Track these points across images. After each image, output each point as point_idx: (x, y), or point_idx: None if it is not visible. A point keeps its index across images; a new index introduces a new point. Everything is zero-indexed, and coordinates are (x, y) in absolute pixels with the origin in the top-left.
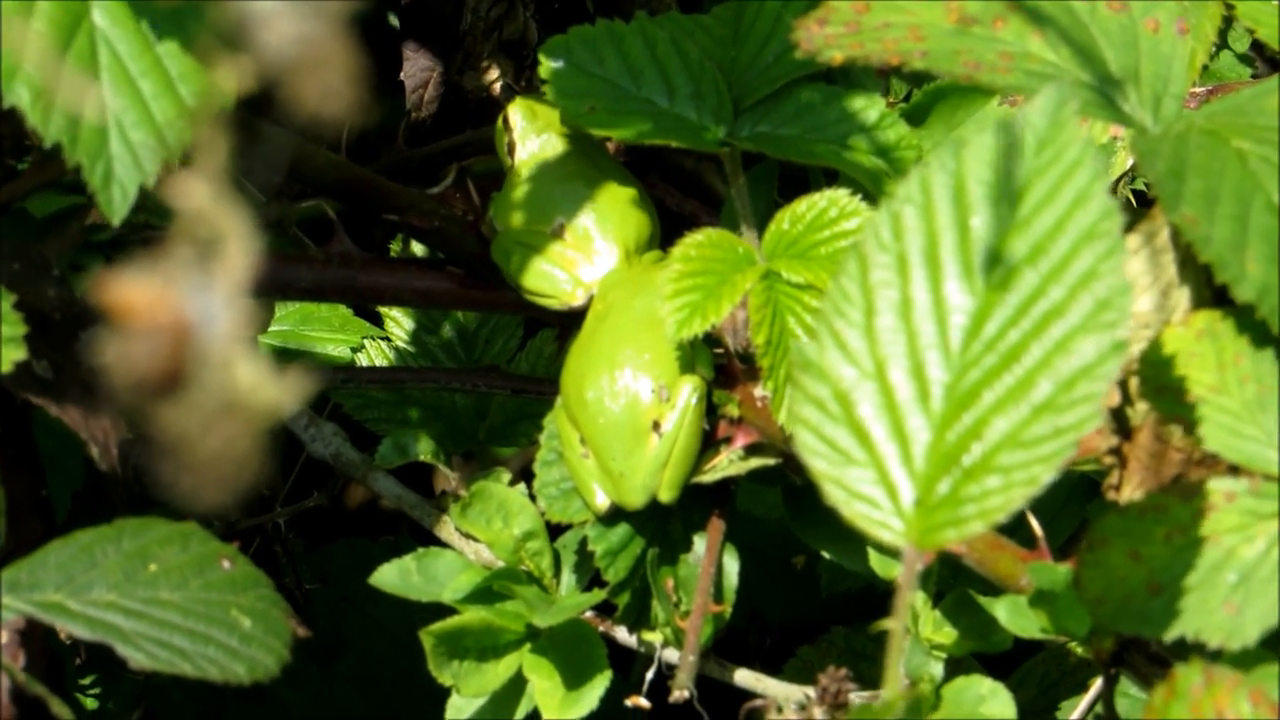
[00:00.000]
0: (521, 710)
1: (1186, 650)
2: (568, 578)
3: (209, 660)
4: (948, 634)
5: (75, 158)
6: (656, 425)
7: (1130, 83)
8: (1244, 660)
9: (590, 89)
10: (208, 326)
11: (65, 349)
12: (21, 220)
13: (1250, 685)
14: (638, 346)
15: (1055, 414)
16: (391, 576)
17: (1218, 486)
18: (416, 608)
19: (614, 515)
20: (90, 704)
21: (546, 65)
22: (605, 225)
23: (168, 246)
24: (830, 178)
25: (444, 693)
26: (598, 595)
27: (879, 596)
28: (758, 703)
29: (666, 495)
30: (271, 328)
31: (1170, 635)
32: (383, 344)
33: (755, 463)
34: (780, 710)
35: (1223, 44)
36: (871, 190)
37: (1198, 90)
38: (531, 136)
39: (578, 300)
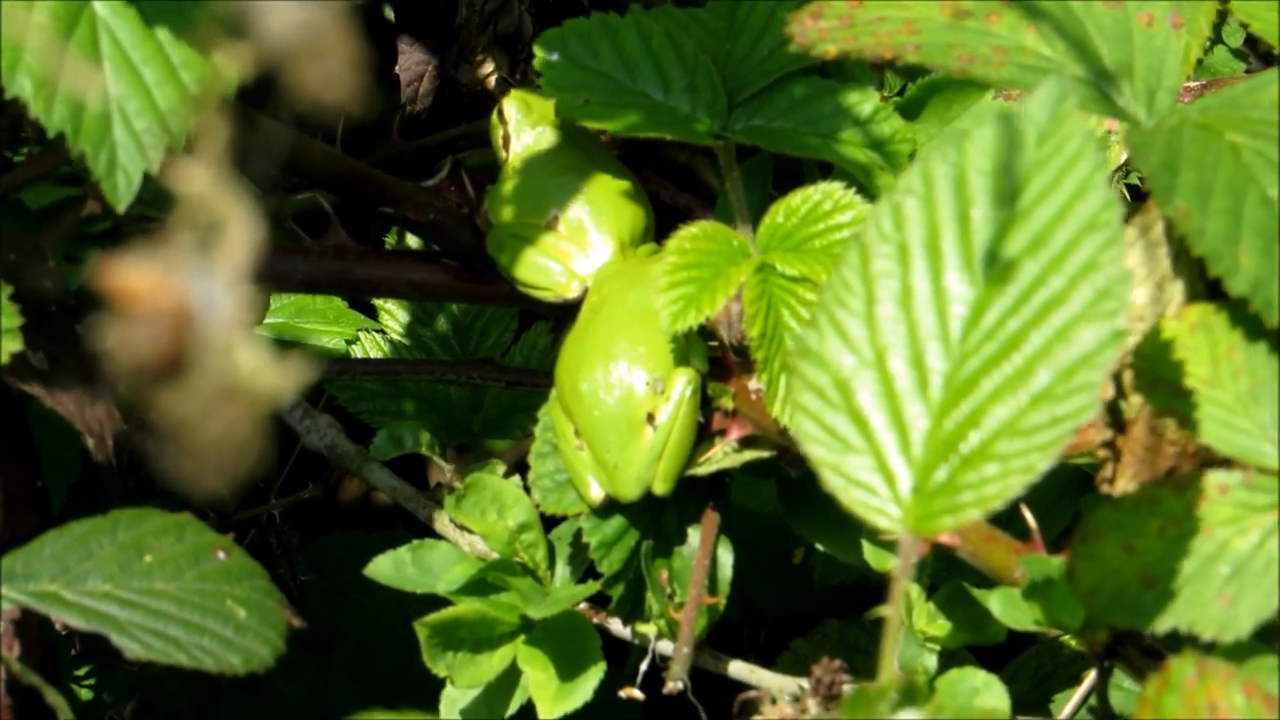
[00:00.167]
0: (516, 702)
1: (1180, 643)
2: (562, 570)
3: (204, 651)
4: (941, 626)
5: (79, 147)
6: (651, 418)
7: (1124, 76)
8: (1237, 652)
9: (585, 82)
10: (209, 312)
11: (61, 340)
12: (17, 212)
13: (1243, 677)
14: (632, 339)
15: (1053, 403)
16: (386, 568)
17: (1211, 479)
18: (411, 600)
19: (608, 507)
20: (85, 695)
21: (541, 58)
22: (600, 218)
23: (168, 232)
24: (824, 171)
25: (439, 684)
26: (592, 587)
27: (872, 589)
28: (751, 694)
29: (661, 488)
30: (266, 320)
31: (1163, 627)
32: (377, 336)
33: (750, 455)
34: (774, 702)
35: (1217, 39)
36: (865, 184)
37: (1192, 85)
38: (526, 129)
39: (572, 293)
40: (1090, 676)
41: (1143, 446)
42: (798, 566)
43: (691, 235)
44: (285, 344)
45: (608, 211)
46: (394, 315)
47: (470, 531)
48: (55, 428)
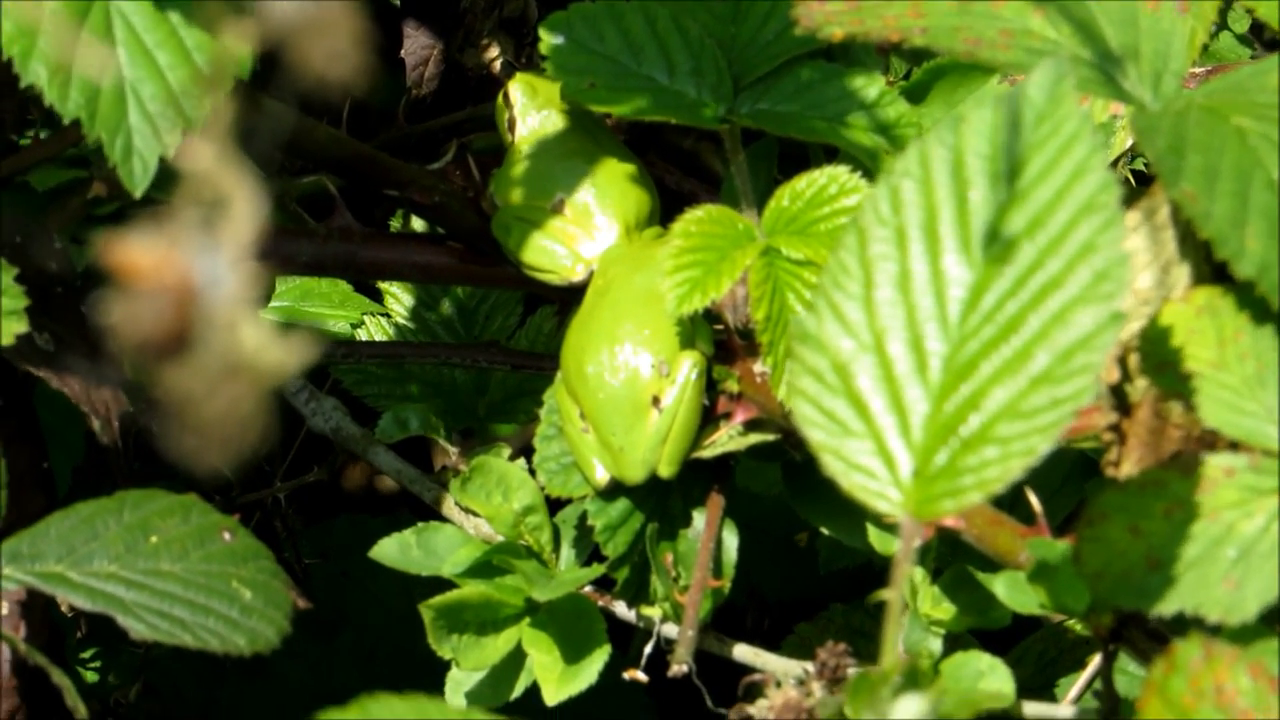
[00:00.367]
0: (521, 684)
1: (1185, 626)
2: (567, 552)
3: (209, 631)
4: (946, 610)
5: (95, 132)
6: (656, 400)
7: (1130, 60)
8: (1243, 635)
9: (590, 65)
10: (213, 288)
11: (67, 322)
12: (23, 194)
13: (1249, 660)
14: (638, 322)
15: (1053, 385)
16: (391, 550)
17: (1217, 462)
18: (416, 583)
19: (613, 490)
20: (91, 677)
21: (547, 41)
22: (605, 201)
23: (173, 209)
24: (830, 155)
25: (444, 667)
26: (597, 570)
27: (877, 573)
28: (756, 677)
29: (666, 470)
30: (272, 303)
31: (1169, 610)
32: (382, 320)
33: (755, 438)
34: (779, 685)
35: (1222, 25)
36: (871, 167)
37: (1197, 70)
38: (532, 113)
39: (578, 276)
40: (1095, 660)
41: (1148, 430)
42: (803, 551)
43: (697, 219)
44: (291, 328)
45: (613, 195)
46: (399, 299)
47: (475, 514)
48: (61, 409)
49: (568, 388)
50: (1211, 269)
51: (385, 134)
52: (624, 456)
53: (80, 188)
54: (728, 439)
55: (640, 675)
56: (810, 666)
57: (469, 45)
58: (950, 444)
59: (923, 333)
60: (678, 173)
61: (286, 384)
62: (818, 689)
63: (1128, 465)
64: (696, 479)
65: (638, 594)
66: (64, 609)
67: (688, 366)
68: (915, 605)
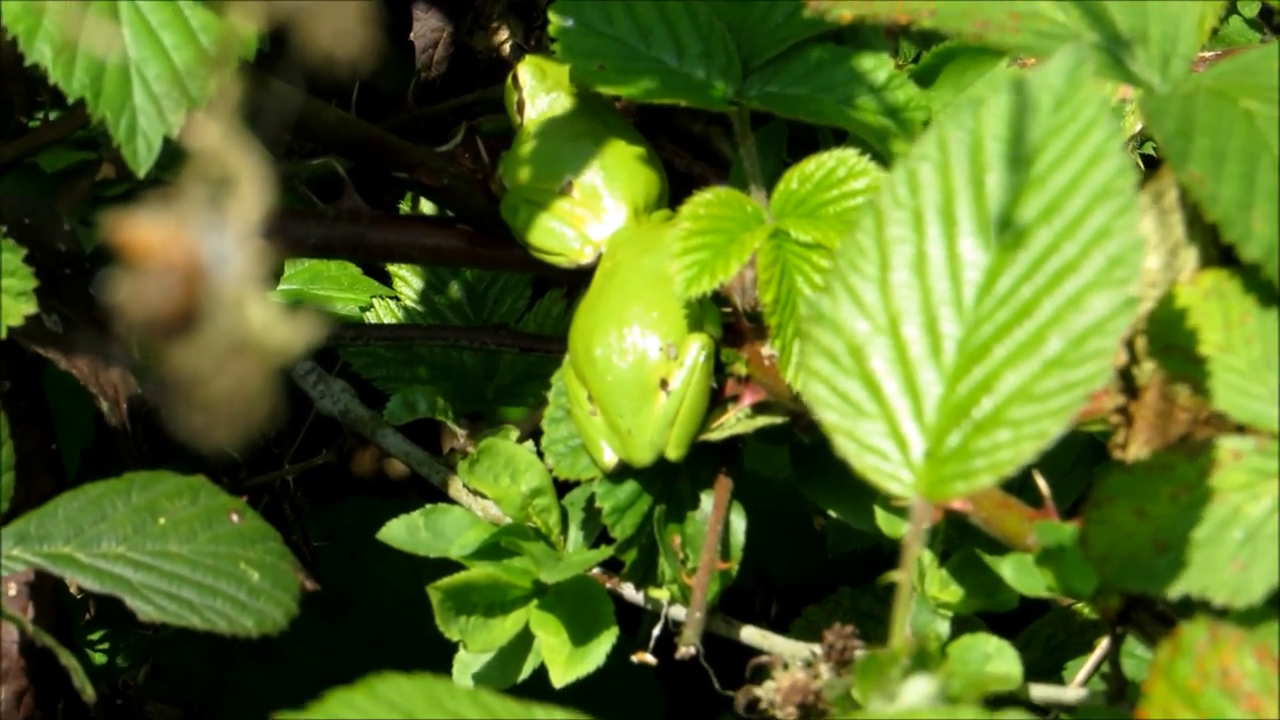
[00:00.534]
0: (528, 666)
1: (1192, 608)
2: (575, 534)
3: (217, 613)
4: (954, 592)
5: (99, 112)
6: (664, 383)
7: (1139, 43)
8: (1249, 618)
9: (599, 48)
10: (220, 266)
11: (76, 303)
12: (32, 175)
13: (1255, 642)
14: (646, 304)
15: (1066, 369)
16: (399, 532)
17: (1224, 445)
18: (424, 566)
19: (621, 472)
20: (99, 659)
21: (556, 23)
22: (614, 183)
23: (181, 187)
24: (839, 138)
25: (451, 649)
26: (605, 552)
27: (885, 557)
28: (763, 659)
29: (674, 453)
30: (280, 286)
31: (1176, 592)
32: (391, 303)
33: (763, 421)
34: (786, 667)
35: (1232, 9)
36: (880, 150)
37: (1206, 54)
38: (541, 95)
39: (586, 258)
40: (1103, 643)
41: (1155, 413)
42: (811, 534)
43: (706, 201)
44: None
45: (622, 177)
46: (407, 281)
47: (483, 496)
48: (71, 392)
49: (576, 370)
50: (1219, 252)
51: (394, 116)
52: (632, 439)
53: (89, 169)
54: (735, 422)
55: (648, 657)
56: (818, 649)
57: (478, 28)
58: (963, 426)
59: (938, 315)
60: (687, 156)
61: (294, 365)
62: (825, 671)
63: (1135, 448)
64: (704, 462)
65: (645, 576)
66: (72, 590)
67: (696, 349)
68: (923, 588)
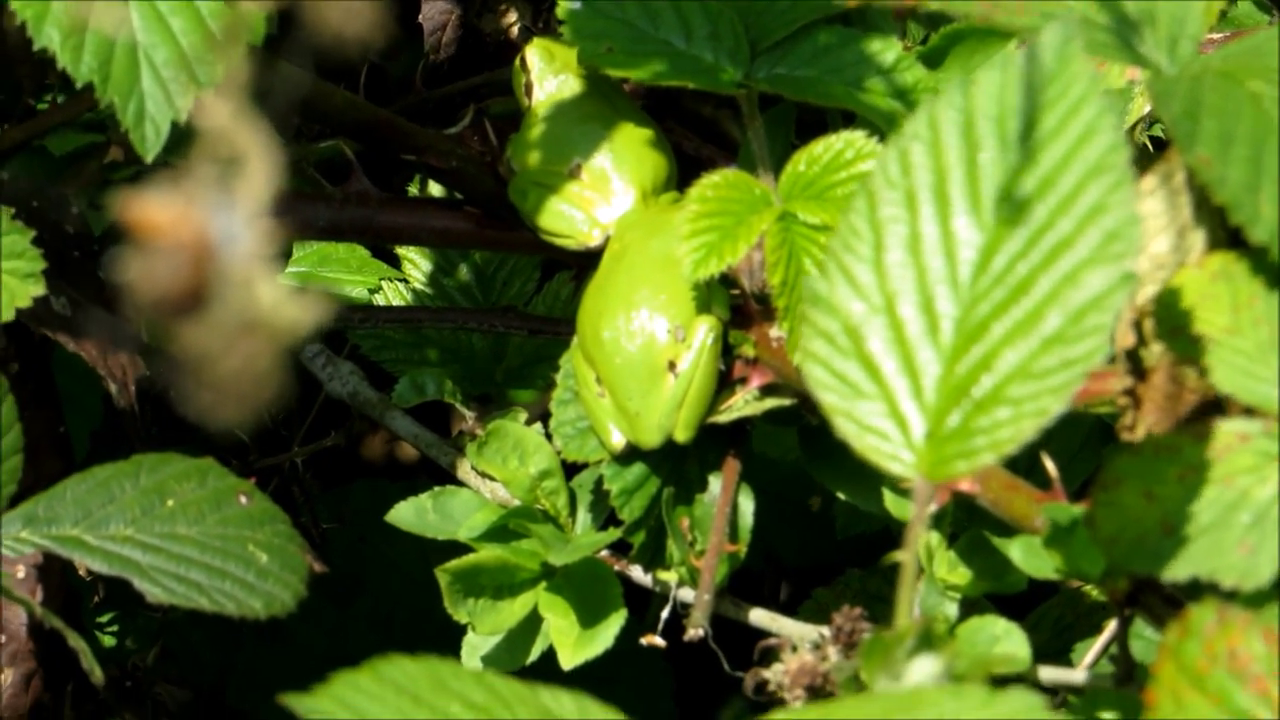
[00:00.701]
0: (537, 648)
1: (1200, 591)
2: (583, 516)
3: (226, 595)
4: (962, 574)
5: (107, 96)
6: (672, 365)
7: (1147, 24)
8: (1257, 600)
9: (607, 30)
10: (229, 245)
11: (84, 286)
12: (41, 158)
13: (1263, 625)
14: (654, 287)
15: (1064, 346)
16: (407, 514)
17: (1231, 428)
18: (433, 549)
19: (630, 454)
20: (108, 641)
21: (564, 6)
22: (622, 166)
23: (189, 166)
24: (847, 120)
25: (460, 632)
26: (613, 534)
27: (894, 539)
28: (772, 641)
29: (682, 435)
30: (289, 268)
31: (1183, 575)
32: (400, 286)
33: (771, 403)
34: (795, 649)
35: None
36: (888, 132)
37: (1215, 36)
38: (549, 77)
39: (594, 240)
40: (1111, 625)
41: (1163, 395)
42: (820, 516)
43: (714, 183)
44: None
45: (630, 160)
46: (416, 264)
47: (491, 479)
48: (79, 374)
49: (584, 352)
50: (1227, 234)
51: (403, 99)
52: (640, 421)
53: (97, 152)
54: (744, 404)
55: (657, 640)
56: (826, 631)
57: (487, 10)
58: (963, 405)
59: (934, 295)
60: (696, 139)
61: (303, 345)
62: (833, 653)
63: (1143, 429)
64: (713, 444)
65: (654, 558)
66: (81, 573)
67: (704, 331)
68: (931, 570)
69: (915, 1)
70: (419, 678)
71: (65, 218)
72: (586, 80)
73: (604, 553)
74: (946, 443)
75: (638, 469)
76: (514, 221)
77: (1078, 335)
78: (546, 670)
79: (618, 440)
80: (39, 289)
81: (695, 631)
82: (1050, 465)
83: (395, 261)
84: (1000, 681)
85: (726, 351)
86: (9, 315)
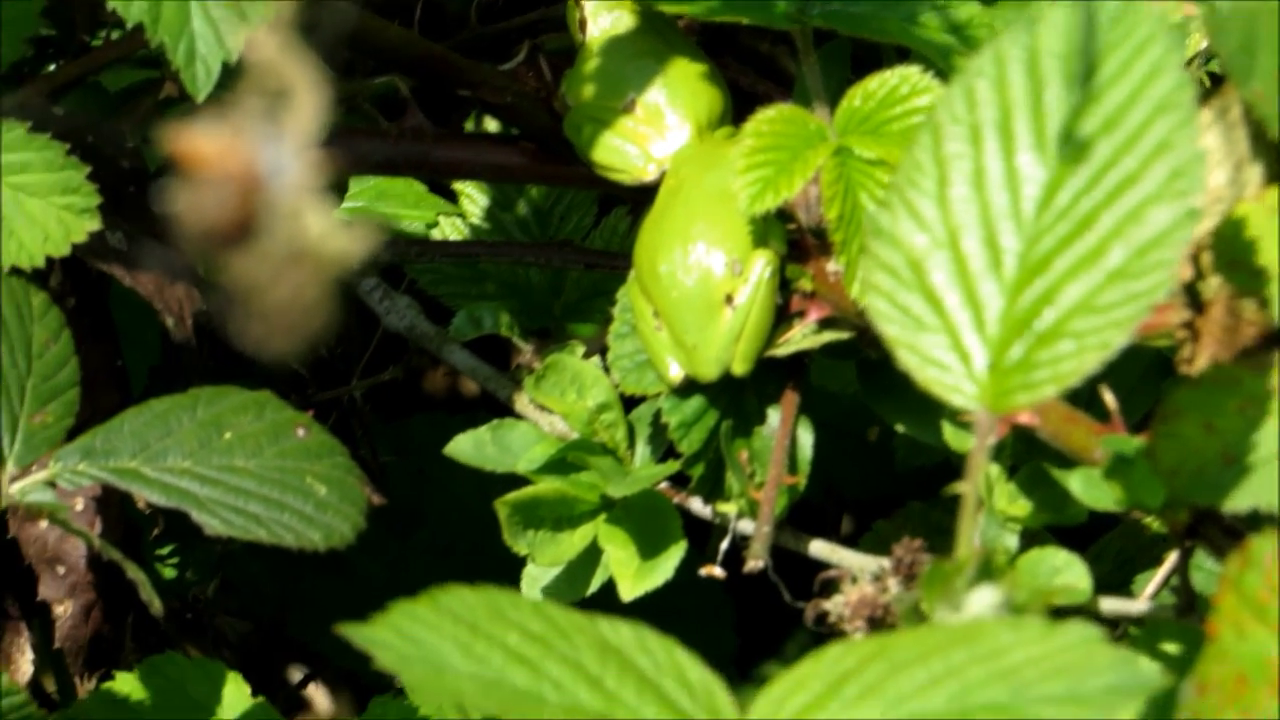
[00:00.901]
0: (597, 580)
1: (1261, 521)
2: (642, 449)
3: (284, 527)
4: (1022, 506)
5: (158, 37)
6: (729, 299)
7: None
8: None
9: None
10: (277, 176)
11: (140, 220)
12: (96, 94)
13: None
14: (710, 221)
15: (1128, 280)
16: (466, 447)
17: None
18: (492, 482)
19: (688, 387)
20: (169, 573)
21: None
22: (676, 100)
23: (237, 98)
24: (902, 55)
25: (519, 564)
26: (672, 466)
27: (955, 472)
28: (832, 573)
29: (740, 368)
30: (346, 203)
31: (1243, 505)
32: (457, 220)
33: (829, 336)
34: (855, 581)
35: None
36: (943, 67)
37: None
38: (603, 13)
39: (649, 175)
40: (1172, 557)
41: (1221, 327)
42: (881, 449)
43: (769, 118)
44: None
45: (685, 94)
46: (474, 199)
47: (550, 411)
48: (136, 309)
49: (641, 286)
50: None
51: (458, 35)
52: (698, 354)
53: (152, 88)
54: (801, 337)
55: (717, 571)
56: (886, 562)
57: None
58: (1025, 338)
59: (997, 229)
60: (753, 74)
61: (356, 278)
62: (894, 584)
63: (1201, 362)
64: (771, 377)
65: (713, 490)
66: (140, 505)
67: (761, 265)
68: (991, 502)
69: None
70: (477, 608)
71: (121, 153)
72: (641, 16)
73: (663, 485)
74: (1008, 375)
75: (696, 402)
76: (569, 156)
77: (1142, 270)
78: (607, 602)
79: (675, 373)
80: (95, 224)
81: (755, 563)
82: (1109, 398)
83: (452, 197)
84: (1060, 613)
85: (783, 285)
86: (65, 250)
